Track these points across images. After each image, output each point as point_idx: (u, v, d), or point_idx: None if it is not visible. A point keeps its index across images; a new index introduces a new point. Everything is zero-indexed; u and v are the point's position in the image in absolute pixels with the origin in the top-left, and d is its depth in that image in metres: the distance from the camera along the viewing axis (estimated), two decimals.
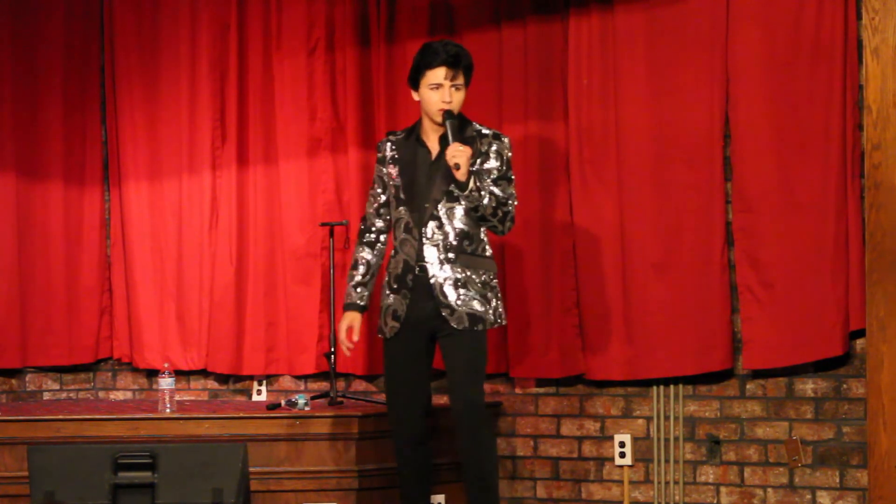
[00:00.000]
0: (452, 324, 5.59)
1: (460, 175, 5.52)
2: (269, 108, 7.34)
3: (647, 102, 6.48)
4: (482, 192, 5.57)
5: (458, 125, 5.62)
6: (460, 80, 5.66)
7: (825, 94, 6.11)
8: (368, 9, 7.13)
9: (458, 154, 5.52)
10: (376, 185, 5.81)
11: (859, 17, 6.00)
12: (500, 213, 5.62)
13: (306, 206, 7.23)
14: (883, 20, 5.69)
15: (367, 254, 5.81)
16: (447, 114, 5.62)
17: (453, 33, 6.91)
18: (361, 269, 5.81)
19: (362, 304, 5.80)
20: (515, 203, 5.68)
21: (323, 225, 7.03)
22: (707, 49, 6.36)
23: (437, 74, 5.63)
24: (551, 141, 6.71)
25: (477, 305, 5.62)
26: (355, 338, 5.80)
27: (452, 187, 5.61)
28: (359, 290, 5.80)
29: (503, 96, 6.81)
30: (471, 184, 5.54)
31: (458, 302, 5.60)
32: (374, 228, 5.81)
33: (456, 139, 5.55)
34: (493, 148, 5.67)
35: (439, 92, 5.64)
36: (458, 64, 5.64)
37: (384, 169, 5.78)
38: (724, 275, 6.34)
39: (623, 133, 6.53)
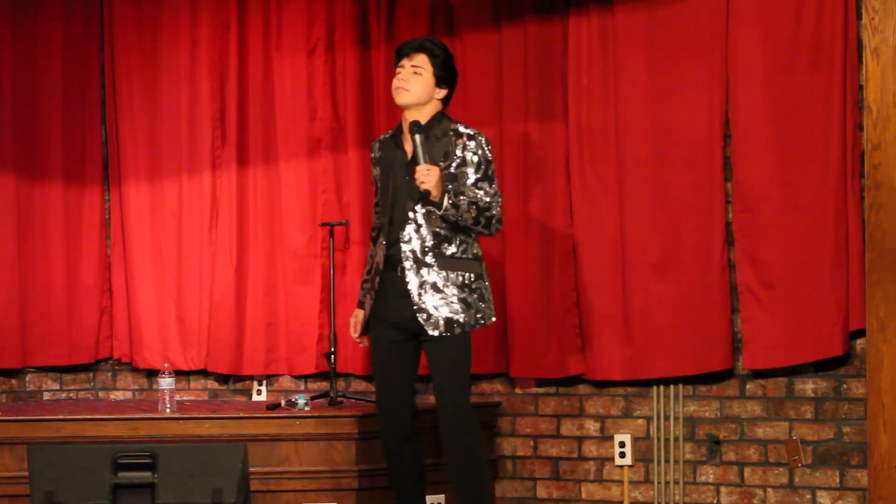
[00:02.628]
0: (428, 329, 5.58)
1: (432, 198, 5.50)
2: (269, 108, 7.34)
3: (647, 102, 6.48)
4: (459, 207, 5.52)
5: (426, 139, 5.55)
6: (419, 63, 5.62)
7: (825, 94, 6.11)
8: (368, 9, 7.13)
9: (427, 179, 5.46)
10: (375, 183, 5.83)
11: (859, 17, 6.00)
12: (482, 220, 5.57)
13: (306, 206, 7.23)
14: (883, 20, 5.69)
15: (372, 251, 5.83)
16: (413, 126, 5.55)
17: (453, 33, 6.91)
18: (367, 266, 5.84)
19: (363, 299, 5.83)
20: (500, 203, 5.63)
21: (323, 225, 7.03)
22: (707, 49, 6.36)
23: (401, 59, 5.66)
24: (551, 141, 6.71)
25: (455, 309, 5.58)
26: (357, 332, 5.83)
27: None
28: (364, 286, 5.83)
29: (503, 96, 6.80)
30: (445, 202, 5.50)
31: (435, 307, 5.58)
32: (375, 226, 5.82)
33: (424, 159, 5.49)
34: (471, 147, 5.60)
35: (397, 75, 5.64)
36: (418, 49, 5.63)
37: (374, 170, 5.80)
38: (724, 275, 6.35)
39: (623, 133, 6.53)
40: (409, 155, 5.64)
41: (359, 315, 5.82)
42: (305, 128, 7.25)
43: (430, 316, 5.57)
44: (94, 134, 7.74)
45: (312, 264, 7.21)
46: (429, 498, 6.04)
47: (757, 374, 6.34)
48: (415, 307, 5.57)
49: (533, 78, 6.75)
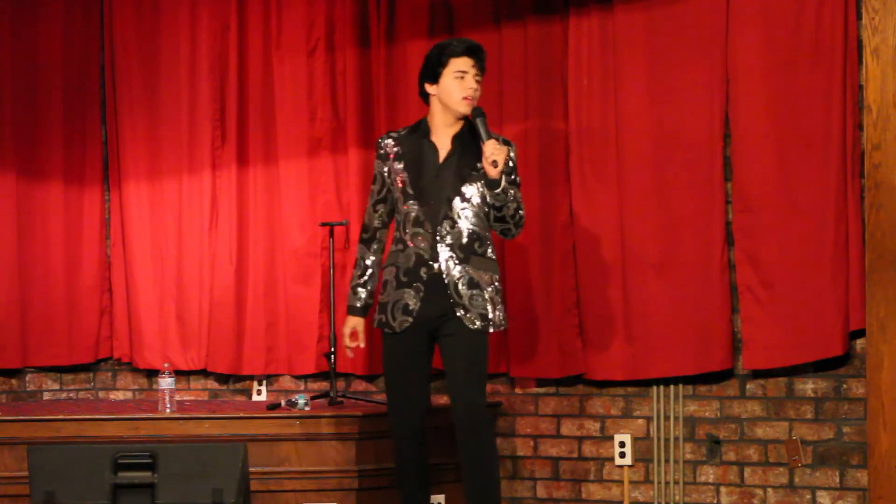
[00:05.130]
0: (466, 323, 5.58)
1: (496, 173, 5.51)
2: (269, 108, 7.34)
3: (647, 102, 6.48)
4: (508, 193, 5.57)
5: (486, 121, 5.61)
6: (480, 75, 5.68)
7: (825, 94, 6.11)
8: (368, 9, 7.13)
9: (497, 151, 5.50)
10: (375, 182, 5.78)
11: (859, 17, 6.00)
12: (517, 217, 5.62)
13: (306, 206, 7.23)
14: (883, 20, 5.69)
15: (366, 253, 5.79)
16: (476, 110, 5.61)
17: (453, 33, 6.91)
18: (359, 270, 5.80)
19: (360, 306, 5.78)
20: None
21: (323, 225, 7.03)
22: (707, 49, 6.36)
23: (463, 62, 5.63)
24: (551, 141, 6.71)
25: (488, 307, 5.62)
26: (361, 344, 5.80)
27: (464, 188, 5.61)
28: (358, 290, 5.79)
29: (503, 96, 6.80)
30: (503, 182, 5.54)
31: (472, 302, 5.60)
32: (371, 227, 5.79)
33: (490, 136, 5.54)
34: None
35: (465, 80, 5.64)
36: (481, 54, 5.66)
37: (385, 166, 5.75)
38: (724, 275, 6.34)
39: (623, 133, 6.53)
40: (443, 153, 5.67)
41: (358, 324, 5.78)
42: (305, 128, 7.25)
43: (467, 310, 5.58)
44: (94, 134, 7.74)
45: (312, 264, 7.21)
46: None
47: (757, 374, 6.34)
48: (454, 302, 5.58)
49: (533, 78, 6.75)
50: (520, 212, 5.63)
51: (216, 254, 7.40)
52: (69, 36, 7.67)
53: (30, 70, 7.59)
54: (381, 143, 5.79)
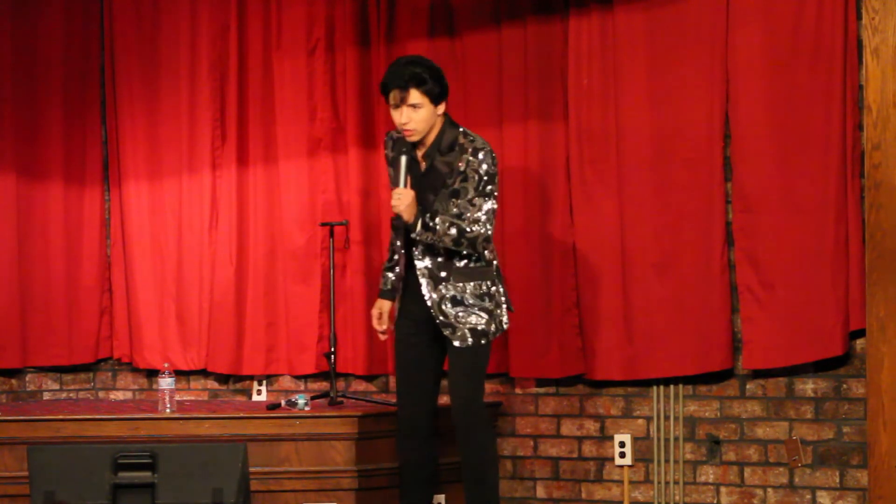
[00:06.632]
0: (455, 343, 5.58)
1: (405, 221, 5.52)
2: (269, 108, 7.34)
3: (647, 102, 6.48)
4: (435, 231, 5.50)
5: (410, 162, 5.55)
6: (415, 100, 5.53)
7: (825, 94, 6.11)
8: (368, 9, 7.13)
9: (398, 203, 5.49)
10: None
11: (859, 17, 6.00)
12: (464, 241, 5.54)
13: (306, 206, 7.23)
14: (883, 20, 5.69)
15: (394, 238, 5.81)
16: (400, 150, 5.58)
17: (453, 33, 6.92)
18: (389, 254, 5.86)
19: (386, 289, 5.84)
20: (489, 221, 5.56)
21: (323, 225, 7.03)
22: (707, 49, 6.36)
23: (393, 96, 5.56)
24: (551, 141, 6.71)
25: (478, 319, 5.60)
26: (384, 325, 5.83)
27: (437, 205, 5.58)
28: (386, 274, 5.85)
29: (503, 96, 6.80)
30: (418, 227, 5.51)
31: (458, 319, 5.58)
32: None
33: (403, 182, 5.51)
34: (473, 163, 5.56)
35: (397, 113, 5.58)
36: (406, 85, 5.52)
37: (389, 170, 5.78)
38: (724, 275, 6.34)
39: (623, 133, 6.53)
40: (423, 166, 5.64)
41: (383, 306, 5.83)
42: (305, 128, 7.25)
43: (455, 329, 5.58)
44: (94, 134, 7.74)
45: (312, 264, 7.21)
46: None
47: (757, 374, 6.34)
48: (437, 321, 5.57)
49: (533, 78, 6.74)
50: (467, 235, 5.51)
51: (216, 254, 7.40)
52: (69, 35, 7.67)
53: (30, 70, 7.59)
54: (385, 142, 5.79)
